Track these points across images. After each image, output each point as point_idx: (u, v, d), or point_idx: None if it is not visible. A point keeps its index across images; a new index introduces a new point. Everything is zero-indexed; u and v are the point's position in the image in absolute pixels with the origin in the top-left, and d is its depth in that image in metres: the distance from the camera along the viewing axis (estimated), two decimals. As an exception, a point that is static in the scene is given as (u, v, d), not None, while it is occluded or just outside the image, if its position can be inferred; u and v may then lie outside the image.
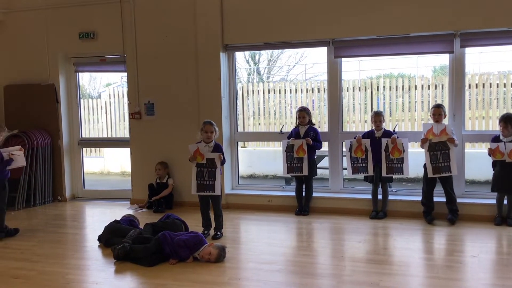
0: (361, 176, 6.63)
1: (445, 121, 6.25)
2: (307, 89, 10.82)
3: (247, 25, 6.99)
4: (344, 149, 6.83)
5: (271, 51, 14.65)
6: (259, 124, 11.05)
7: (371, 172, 6.43)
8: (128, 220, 5.83)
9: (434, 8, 6.22)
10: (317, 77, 12.74)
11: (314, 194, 6.83)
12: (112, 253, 4.96)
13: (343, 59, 6.93)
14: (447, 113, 6.31)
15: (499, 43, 6.53)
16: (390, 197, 6.53)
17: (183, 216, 5.91)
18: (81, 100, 8.54)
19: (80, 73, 8.32)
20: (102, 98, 12.51)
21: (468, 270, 4.54)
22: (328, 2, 6.63)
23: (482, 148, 8.43)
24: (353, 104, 10.43)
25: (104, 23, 7.62)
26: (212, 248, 4.83)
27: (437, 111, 6.12)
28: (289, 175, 6.86)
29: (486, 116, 9.65)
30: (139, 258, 4.81)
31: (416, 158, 6.45)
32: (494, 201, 6.03)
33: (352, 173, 6.55)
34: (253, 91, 11.16)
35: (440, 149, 5.99)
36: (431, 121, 6.25)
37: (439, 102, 9.42)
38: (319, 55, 10.02)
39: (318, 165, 7.99)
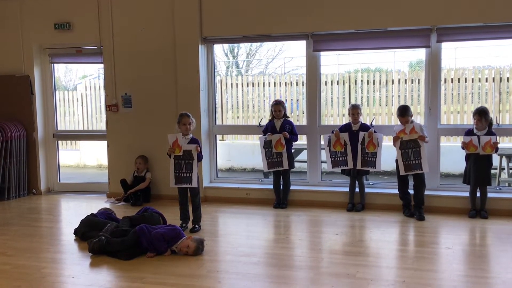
0: (339, 169, 6.67)
1: (418, 117, 6.31)
2: (285, 83, 10.85)
3: (226, 17, 6.96)
4: (322, 142, 6.87)
5: (249, 44, 14.64)
6: (238, 117, 11.04)
7: (351, 165, 6.47)
8: (105, 214, 5.77)
9: (411, 3, 6.27)
10: (295, 70, 12.78)
11: (292, 187, 6.85)
12: (88, 246, 4.92)
13: (322, 53, 6.96)
14: (422, 108, 6.36)
15: (474, 38, 6.64)
16: (366, 190, 6.60)
17: (161, 209, 5.88)
18: (57, 92, 8.40)
19: (55, 65, 8.16)
20: (78, 90, 12.34)
21: (443, 261, 4.62)
22: (307, -4, 6.64)
23: (457, 142, 8.57)
24: (331, 98, 10.50)
25: (80, 13, 7.49)
26: (190, 241, 4.82)
27: (403, 120, 6.12)
28: (270, 171, 6.86)
29: (461, 110, 9.82)
30: (116, 252, 4.77)
31: (392, 152, 6.51)
32: (468, 194, 6.14)
33: (332, 167, 6.58)
34: (231, 84, 11.14)
35: (411, 147, 6.05)
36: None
37: (415, 96, 9.57)
38: (298, 48, 10.06)
39: (296, 159, 8.03)
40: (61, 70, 13.67)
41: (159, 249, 4.79)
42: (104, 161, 8.53)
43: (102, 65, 7.60)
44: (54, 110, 8.11)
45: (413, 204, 6.15)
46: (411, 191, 6.21)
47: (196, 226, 5.70)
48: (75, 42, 7.68)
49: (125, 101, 7.43)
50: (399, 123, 6.24)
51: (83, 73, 13.37)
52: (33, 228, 5.98)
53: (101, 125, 10.79)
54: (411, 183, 6.24)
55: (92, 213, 5.73)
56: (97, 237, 4.89)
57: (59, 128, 8.31)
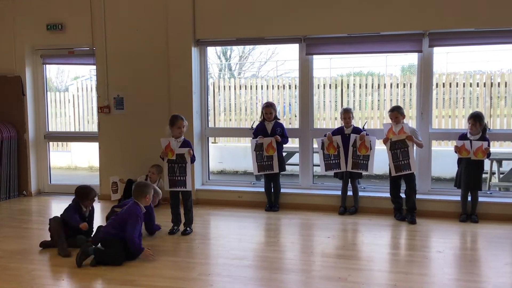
0: (332, 172, 6.68)
1: (410, 121, 6.34)
2: (278, 86, 10.87)
3: (220, 20, 6.95)
4: (315, 146, 6.87)
5: (242, 47, 14.67)
6: (230, 120, 11.04)
7: (343, 168, 6.49)
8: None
9: (404, 7, 6.30)
10: (288, 74, 12.82)
11: (284, 190, 6.85)
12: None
13: (314, 56, 6.98)
14: (414, 112, 6.39)
15: (466, 43, 6.68)
16: (359, 193, 6.60)
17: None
18: (48, 93, 8.35)
19: (47, 66, 8.13)
20: (70, 91, 12.30)
21: (434, 265, 4.63)
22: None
23: (448, 146, 8.61)
24: (324, 101, 10.53)
25: (72, 14, 7.46)
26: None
27: (393, 115, 6.20)
28: (260, 174, 6.85)
29: (452, 115, 9.88)
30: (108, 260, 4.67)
31: (384, 155, 6.53)
32: (459, 198, 6.17)
33: (326, 170, 6.60)
34: (224, 86, 11.15)
35: (399, 147, 6.09)
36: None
37: (407, 100, 9.60)
38: (291, 52, 10.10)
39: (288, 162, 8.04)
40: (53, 71, 13.62)
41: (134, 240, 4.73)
42: (96, 163, 8.49)
43: (94, 67, 7.57)
44: (45, 111, 8.06)
45: (406, 209, 6.18)
46: (403, 195, 6.24)
47: (188, 228, 5.68)
48: (68, 43, 7.64)
49: (117, 102, 7.40)
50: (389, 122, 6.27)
51: (75, 75, 13.32)
52: (23, 230, 5.94)
53: (93, 127, 10.75)
54: (403, 187, 6.27)
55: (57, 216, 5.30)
56: (81, 251, 4.64)
57: (50, 130, 8.26)
